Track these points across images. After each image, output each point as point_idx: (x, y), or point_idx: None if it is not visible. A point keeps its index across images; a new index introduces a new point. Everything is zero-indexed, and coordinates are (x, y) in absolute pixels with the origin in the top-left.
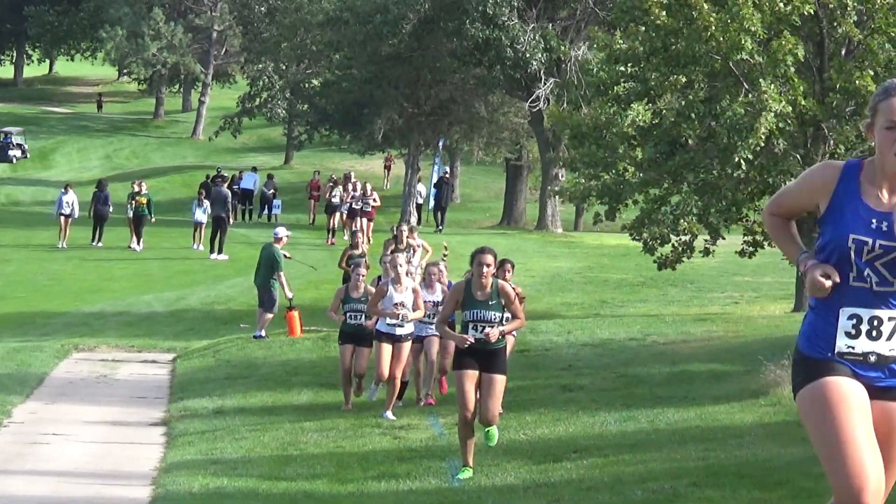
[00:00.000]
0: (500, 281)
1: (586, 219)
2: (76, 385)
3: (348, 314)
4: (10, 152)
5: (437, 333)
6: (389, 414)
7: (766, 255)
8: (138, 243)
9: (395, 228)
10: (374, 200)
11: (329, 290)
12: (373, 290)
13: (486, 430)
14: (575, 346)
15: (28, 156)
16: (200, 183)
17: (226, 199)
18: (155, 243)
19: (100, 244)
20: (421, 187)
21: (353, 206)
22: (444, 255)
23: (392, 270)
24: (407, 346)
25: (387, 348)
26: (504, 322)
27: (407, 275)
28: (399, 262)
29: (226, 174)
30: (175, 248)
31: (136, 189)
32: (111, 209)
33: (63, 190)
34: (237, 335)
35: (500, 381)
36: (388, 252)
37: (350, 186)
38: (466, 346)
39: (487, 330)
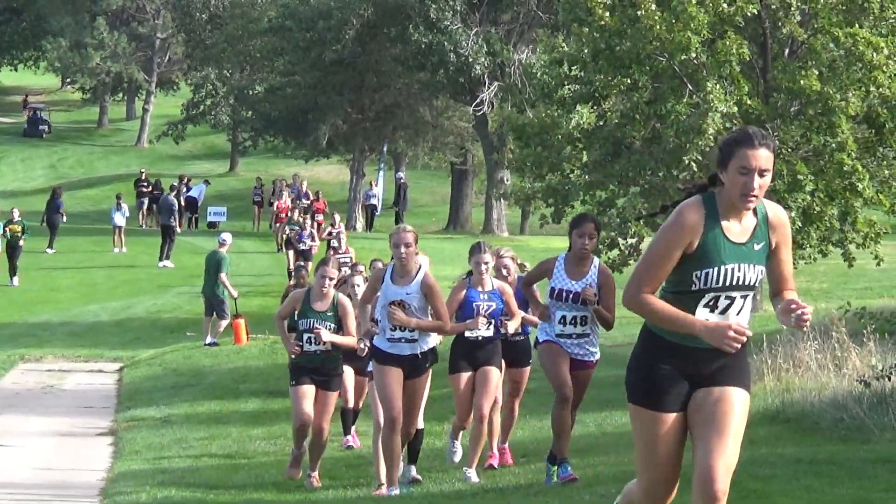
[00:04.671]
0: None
1: (532, 222)
2: (23, 396)
3: (305, 335)
4: (41, 127)
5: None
6: (395, 492)
7: None
8: (13, 278)
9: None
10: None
11: (277, 299)
12: (347, 302)
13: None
14: None
15: (52, 131)
16: (140, 185)
17: (171, 207)
18: (102, 250)
19: (51, 250)
20: (377, 190)
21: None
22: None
23: (395, 250)
24: (425, 380)
25: (393, 375)
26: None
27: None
28: (407, 241)
29: (175, 183)
30: (119, 256)
31: (10, 216)
32: (64, 218)
33: None
34: (184, 344)
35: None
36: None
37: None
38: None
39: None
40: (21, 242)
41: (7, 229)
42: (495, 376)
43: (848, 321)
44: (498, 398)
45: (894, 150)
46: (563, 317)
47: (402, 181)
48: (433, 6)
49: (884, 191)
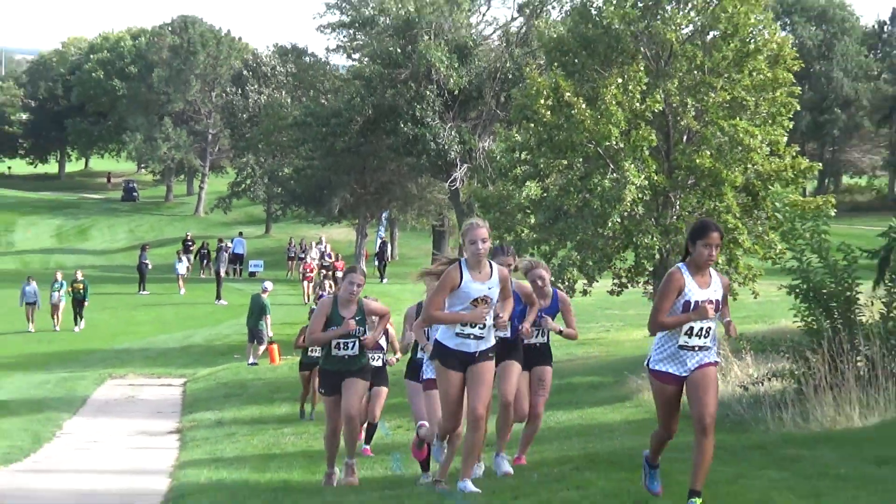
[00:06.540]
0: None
1: None
2: (111, 404)
3: (334, 341)
4: (134, 193)
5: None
6: (469, 485)
7: (630, 293)
8: (77, 325)
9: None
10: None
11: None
12: (371, 303)
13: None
14: None
15: (138, 199)
16: (186, 244)
17: (222, 258)
18: (169, 292)
19: (146, 292)
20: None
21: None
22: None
23: (471, 247)
24: (491, 367)
25: (457, 384)
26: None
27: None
28: (483, 235)
29: (225, 244)
30: (182, 297)
31: (74, 276)
32: (150, 266)
33: (26, 281)
34: (232, 364)
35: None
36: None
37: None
38: None
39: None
40: (86, 301)
41: (72, 288)
42: (516, 370)
43: (731, 342)
44: (524, 403)
45: (766, 212)
46: (691, 328)
47: (382, 238)
48: (418, 107)
49: (759, 243)
